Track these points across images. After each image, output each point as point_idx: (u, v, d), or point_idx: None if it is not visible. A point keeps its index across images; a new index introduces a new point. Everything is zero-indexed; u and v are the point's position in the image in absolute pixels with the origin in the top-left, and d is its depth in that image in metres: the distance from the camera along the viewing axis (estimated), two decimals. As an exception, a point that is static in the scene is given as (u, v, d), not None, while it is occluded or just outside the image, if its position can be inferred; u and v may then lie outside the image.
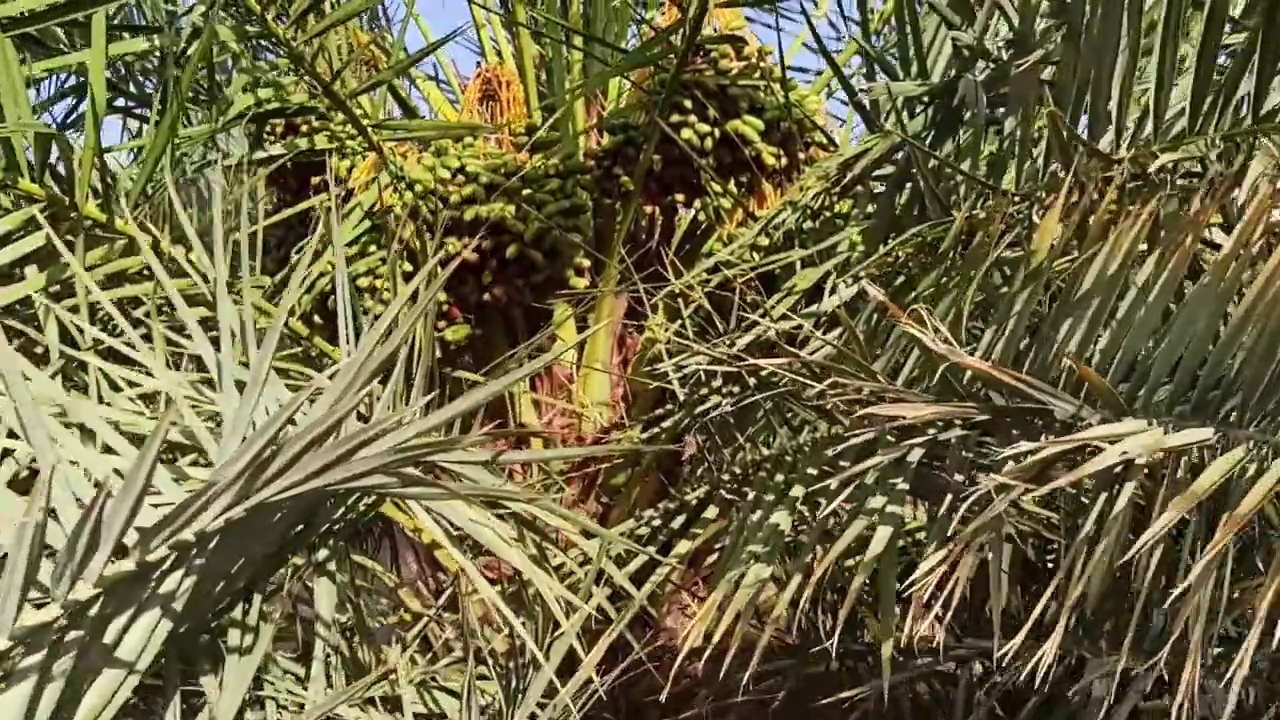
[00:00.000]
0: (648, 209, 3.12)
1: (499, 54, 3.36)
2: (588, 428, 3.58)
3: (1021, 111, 1.95)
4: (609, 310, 3.29)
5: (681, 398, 2.55)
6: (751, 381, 2.27)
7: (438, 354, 3.15)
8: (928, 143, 2.23)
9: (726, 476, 2.43)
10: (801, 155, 3.03)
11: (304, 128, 2.78)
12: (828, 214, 2.61)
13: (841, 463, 1.98)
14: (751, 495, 2.23)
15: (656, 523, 2.68)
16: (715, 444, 2.57)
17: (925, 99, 2.24)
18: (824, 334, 2.20)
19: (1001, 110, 2.13)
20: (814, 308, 2.18)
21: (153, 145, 2.32)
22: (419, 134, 2.82)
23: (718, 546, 2.54)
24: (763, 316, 2.18)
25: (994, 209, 1.82)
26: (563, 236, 2.95)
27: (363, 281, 2.96)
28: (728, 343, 2.09)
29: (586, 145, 3.31)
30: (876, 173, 2.47)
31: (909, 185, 2.45)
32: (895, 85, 2.11)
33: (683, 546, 2.42)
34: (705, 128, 2.91)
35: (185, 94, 2.26)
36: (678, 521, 2.51)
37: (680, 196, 3.08)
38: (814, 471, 2.04)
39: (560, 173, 2.98)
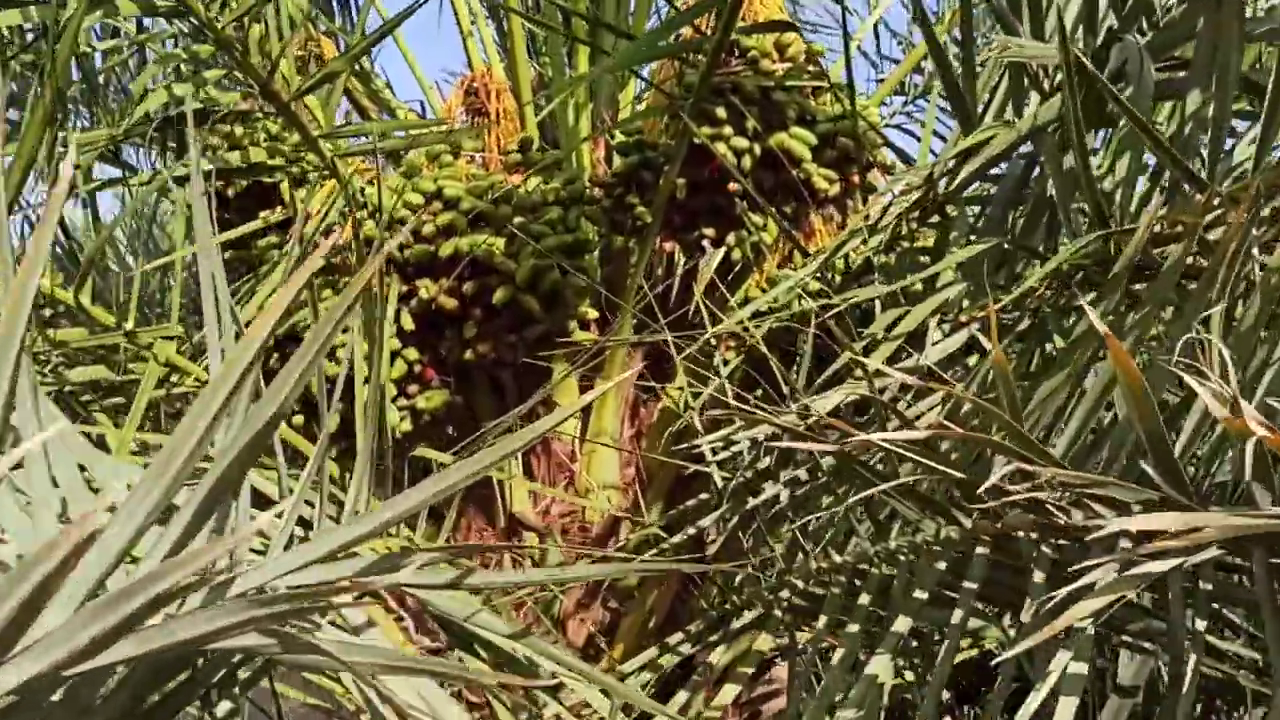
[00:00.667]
0: (668, 246, 2.53)
1: (489, 67, 2.80)
2: (593, 516, 2.95)
3: (1216, 79, 1.36)
4: (620, 370, 2.67)
5: (718, 481, 1.93)
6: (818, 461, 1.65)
7: (407, 427, 2.54)
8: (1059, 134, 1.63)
9: (781, 590, 1.79)
10: (857, 179, 2.44)
11: (239, 137, 2.19)
12: (906, 243, 2.01)
13: (956, 581, 1.36)
14: (823, 621, 1.59)
15: (685, 648, 2.03)
16: (762, 542, 1.94)
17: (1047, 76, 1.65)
18: (910, 399, 1.59)
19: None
20: (909, 361, 1.57)
21: (19, 149, 1.73)
22: (380, 145, 2.24)
23: (770, 688, 1.90)
24: (845, 374, 1.57)
25: (1237, 196, 1.22)
26: (564, 278, 2.34)
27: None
28: (795, 410, 1.47)
29: (594, 169, 2.72)
30: (972, 189, 1.88)
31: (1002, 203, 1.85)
32: (1027, 46, 1.52)
33: (728, 691, 1.77)
34: (743, 143, 2.33)
35: (60, 78, 1.67)
36: (717, 653, 1.87)
37: (710, 231, 2.49)
38: (924, 595, 1.41)
39: (561, 200, 2.38)
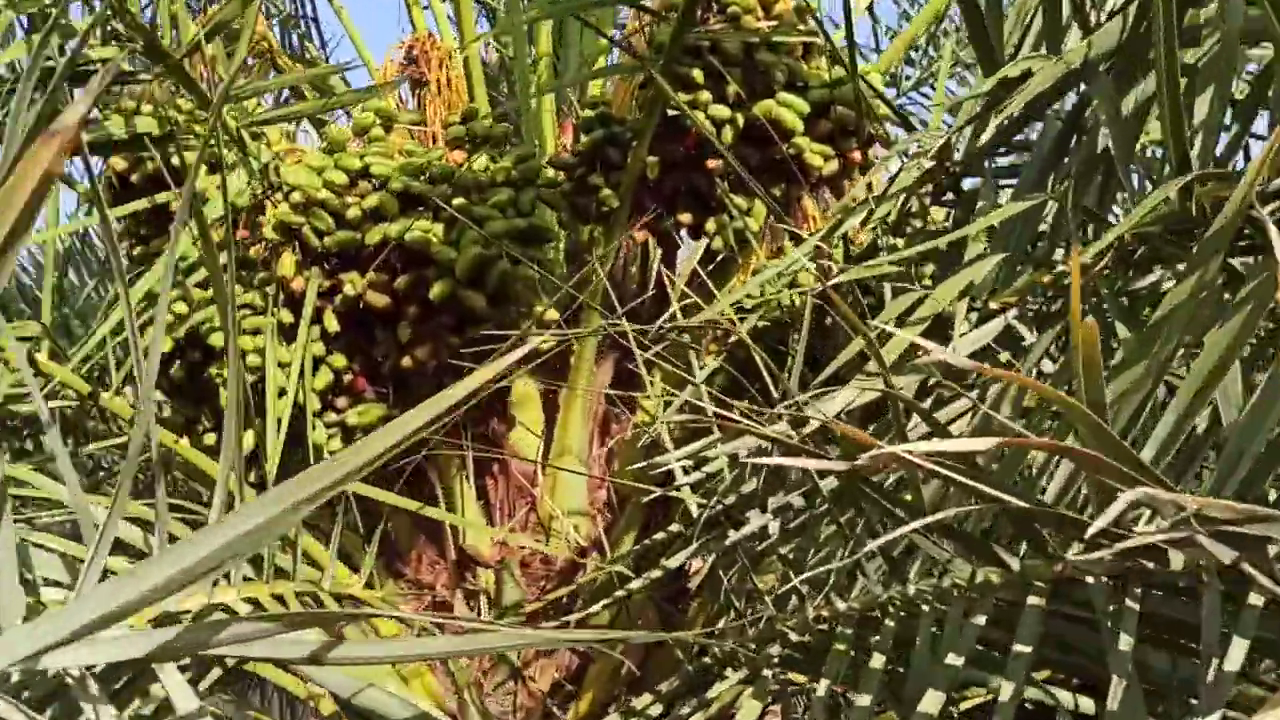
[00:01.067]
0: (639, 236, 2.19)
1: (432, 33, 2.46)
2: (558, 548, 2.60)
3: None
4: (587, 379, 2.33)
5: (693, 509, 1.58)
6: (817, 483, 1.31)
7: (336, 446, 2.19)
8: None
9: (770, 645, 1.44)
10: (858, 156, 2.10)
11: (124, 105, 1.85)
12: (918, 222, 1.67)
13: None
14: (823, 686, 1.24)
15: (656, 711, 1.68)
16: (747, 583, 1.59)
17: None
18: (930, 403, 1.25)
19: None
20: (927, 357, 1.23)
21: None
22: (292, 112, 1.90)
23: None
24: (847, 375, 1.23)
25: None
26: (515, 270, 2.00)
27: (218, 339, 2.00)
28: (787, 417, 1.13)
29: (556, 150, 2.39)
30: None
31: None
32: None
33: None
34: (723, 111, 1.99)
35: None
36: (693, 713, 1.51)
37: (686, 217, 2.15)
38: (958, 660, 1.07)
39: (513, 180, 2.04)
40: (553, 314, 2.21)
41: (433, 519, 2.72)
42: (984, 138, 1.60)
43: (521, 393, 2.63)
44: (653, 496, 2.16)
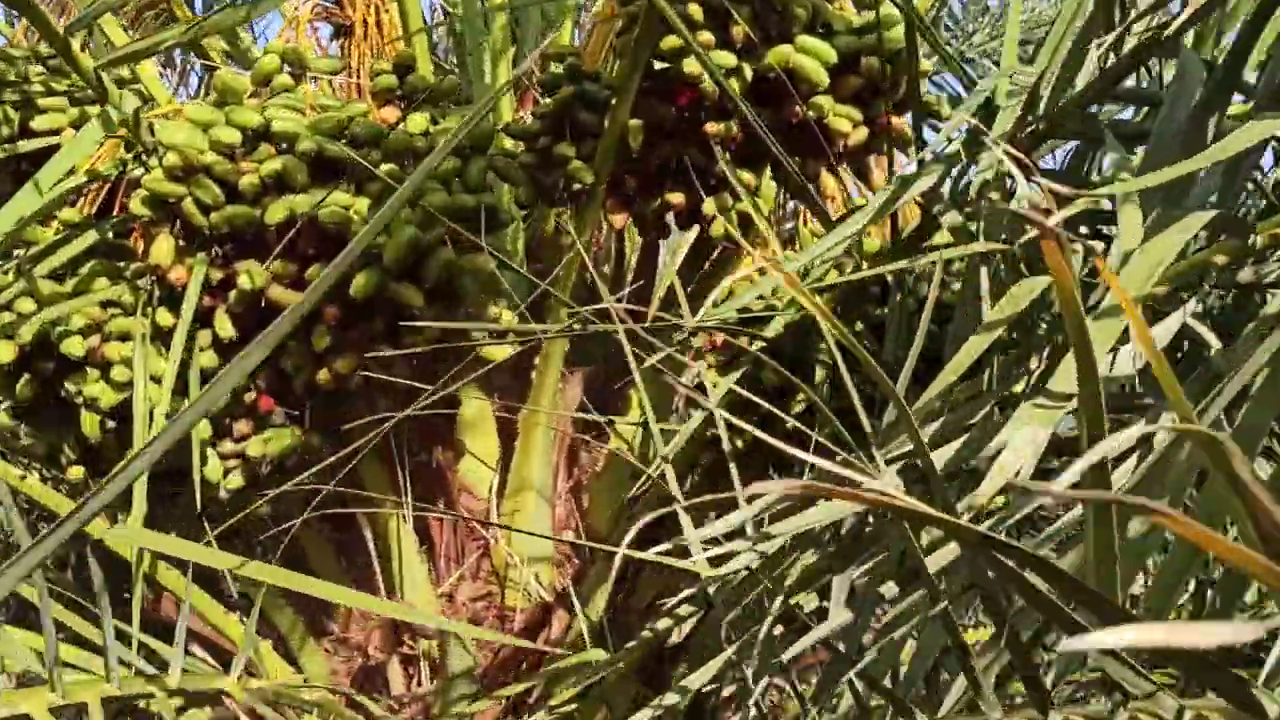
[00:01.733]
0: (618, 220, 1.76)
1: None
2: (516, 600, 2.17)
3: None
4: (551, 398, 1.90)
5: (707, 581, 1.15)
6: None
7: (236, 482, 1.74)
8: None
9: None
10: (893, 122, 1.68)
11: None
12: (994, 194, 1.25)
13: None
14: None
15: None
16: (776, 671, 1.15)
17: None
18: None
19: None
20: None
21: None
22: (162, 41, 1.44)
23: None
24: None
25: None
26: (461, 260, 1.56)
27: (76, 346, 1.54)
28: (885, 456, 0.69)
29: (514, 116, 1.95)
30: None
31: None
32: None
33: None
34: (728, 59, 1.56)
35: None
36: None
37: (676, 198, 1.72)
38: None
39: (462, 149, 1.61)
40: (509, 317, 1.77)
41: (364, 566, 2.27)
42: (1083, 79, 1.19)
43: (472, 414, 2.19)
44: (630, 541, 1.71)
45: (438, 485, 2.16)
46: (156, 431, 1.59)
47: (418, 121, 1.59)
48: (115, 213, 1.62)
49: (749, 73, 1.59)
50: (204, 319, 1.57)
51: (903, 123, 1.68)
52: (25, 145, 1.58)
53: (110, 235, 1.62)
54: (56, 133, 1.72)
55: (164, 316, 1.56)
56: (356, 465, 2.10)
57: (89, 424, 1.62)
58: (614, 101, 1.64)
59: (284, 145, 1.52)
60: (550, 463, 2.17)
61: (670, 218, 1.79)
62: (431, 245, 1.53)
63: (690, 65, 1.53)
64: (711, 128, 1.62)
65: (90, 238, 1.55)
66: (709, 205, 1.68)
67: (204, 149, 1.48)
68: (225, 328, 1.58)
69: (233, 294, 1.57)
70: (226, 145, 1.49)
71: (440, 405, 2.08)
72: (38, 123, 1.73)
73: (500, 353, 1.74)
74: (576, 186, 1.76)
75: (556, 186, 1.75)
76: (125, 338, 1.58)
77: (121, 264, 1.64)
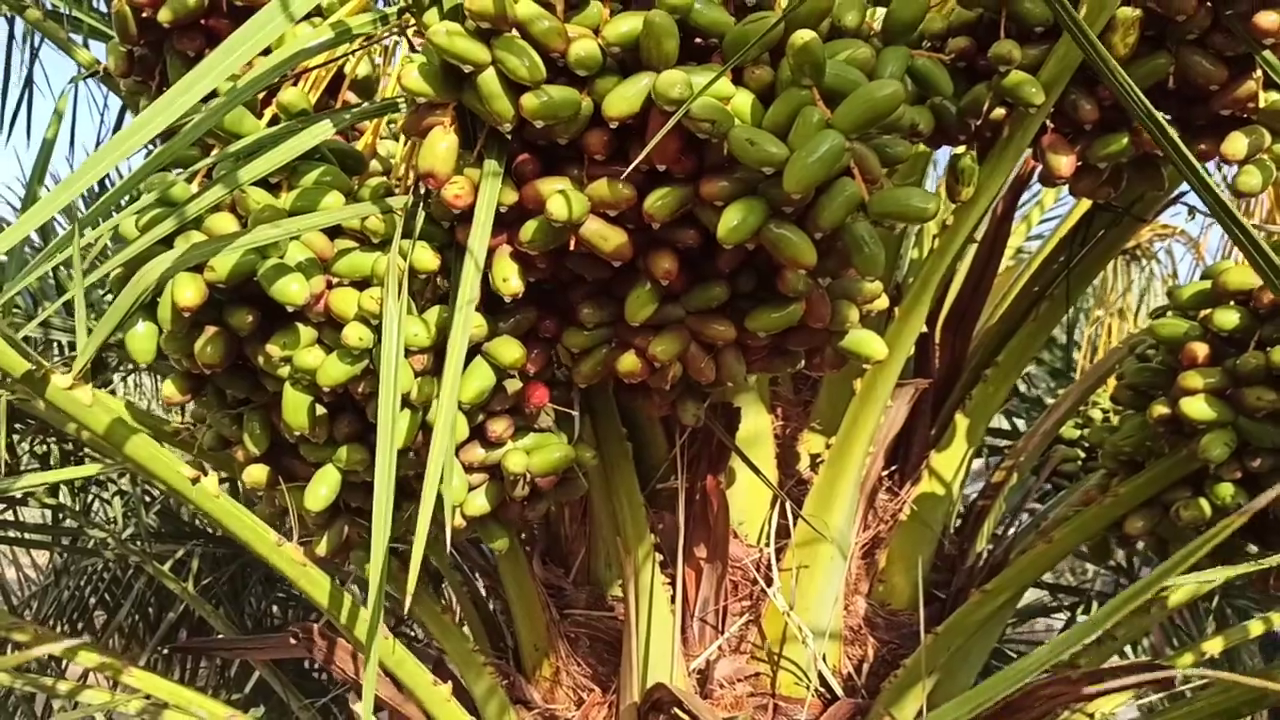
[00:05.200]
0: (1062, 163, 1.19)
1: None
2: (790, 688, 1.62)
3: None
4: (875, 416, 1.35)
5: None
6: None
7: (481, 508, 1.21)
8: None
9: None
10: None
11: None
12: None
13: None
14: None
15: None
16: None
17: None
18: None
19: None
20: None
21: None
22: None
23: None
24: None
25: None
26: (880, 197, 1.01)
27: (292, 291, 1.02)
28: None
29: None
30: None
31: None
32: None
33: None
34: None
35: None
36: None
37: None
38: None
39: (870, 32, 1.06)
40: (882, 298, 1.21)
41: (587, 621, 1.72)
42: None
43: (753, 428, 1.63)
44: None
45: (699, 522, 1.61)
46: (401, 426, 1.06)
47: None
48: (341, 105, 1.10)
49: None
50: (483, 262, 1.03)
51: None
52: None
53: (352, 130, 1.10)
54: None
55: (425, 256, 1.03)
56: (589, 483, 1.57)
57: (294, 408, 1.09)
58: (1102, -20, 1.08)
59: (635, 1, 0.98)
60: (853, 503, 1.61)
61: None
62: (839, 173, 0.98)
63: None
64: (1267, 20, 1.05)
65: (322, 131, 1.02)
66: (1235, 143, 1.10)
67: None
68: (510, 278, 1.04)
69: (529, 227, 1.03)
70: (551, -6, 0.95)
71: (714, 415, 1.54)
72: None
73: (879, 348, 1.19)
74: (1000, 113, 1.20)
75: (975, 111, 1.20)
76: (363, 284, 1.05)
77: (359, 176, 1.11)
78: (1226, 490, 1.20)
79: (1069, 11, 0.88)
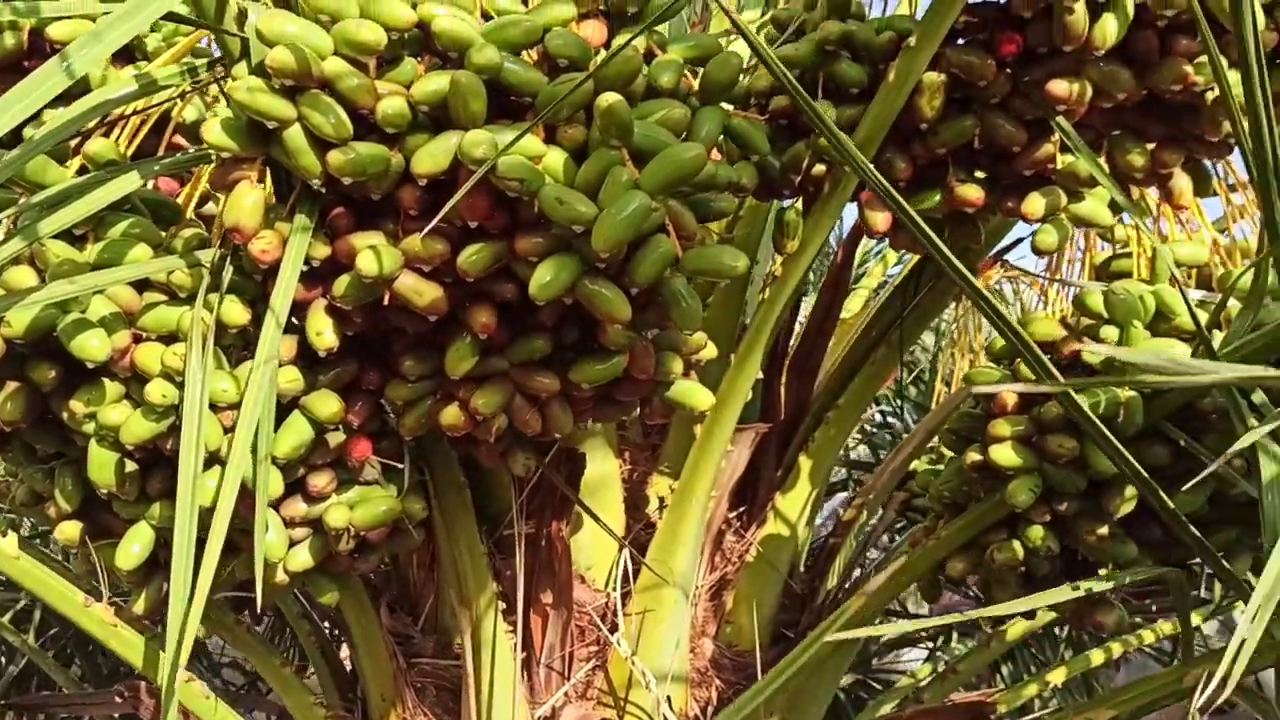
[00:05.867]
0: (878, 220, 1.23)
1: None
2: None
3: None
4: (716, 463, 1.37)
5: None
6: None
7: (303, 560, 1.19)
8: None
9: None
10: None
11: None
12: None
13: None
14: None
15: None
16: None
17: None
18: None
19: None
20: None
21: None
22: None
23: None
24: None
25: None
26: (696, 253, 1.03)
27: (93, 347, 0.99)
28: None
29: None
30: None
31: None
32: None
33: None
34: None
35: None
36: None
37: (972, 193, 1.19)
38: None
39: (682, 92, 1.08)
40: (709, 346, 1.24)
41: (434, 670, 1.70)
42: None
43: (600, 472, 1.64)
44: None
45: (542, 568, 1.61)
46: (205, 484, 1.03)
47: (627, 45, 1.05)
48: (167, 149, 1.08)
49: (1130, 6, 1.08)
50: (295, 315, 1.02)
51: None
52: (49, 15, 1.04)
53: (155, 182, 1.08)
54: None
55: (233, 310, 1.01)
56: (432, 532, 1.56)
57: (100, 465, 1.06)
58: (909, 43, 1.12)
59: (449, 57, 0.99)
60: (700, 549, 1.63)
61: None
62: (652, 230, 1.00)
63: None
64: (1059, 88, 1.10)
65: (129, 183, 1.00)
66: (1034, 203, 1.16)
67: (327, 51, 0.94)
68: (324, 332, 1.03)
69: (342, 282, 1.03)
70: (362, 48, 0.95)
71: (556, 461, 1.54)
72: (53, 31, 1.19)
73: (704, 399, 1.21)
74: (820, 169, 1.24)
75: (795, 167, 1.23)
76: (171, 339, 1.03)
77: (172, 228, 1.09)
78: (1037, 533, 1.25)
79: (788, 76, 0.91)
